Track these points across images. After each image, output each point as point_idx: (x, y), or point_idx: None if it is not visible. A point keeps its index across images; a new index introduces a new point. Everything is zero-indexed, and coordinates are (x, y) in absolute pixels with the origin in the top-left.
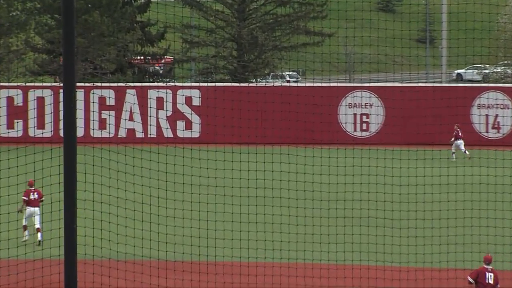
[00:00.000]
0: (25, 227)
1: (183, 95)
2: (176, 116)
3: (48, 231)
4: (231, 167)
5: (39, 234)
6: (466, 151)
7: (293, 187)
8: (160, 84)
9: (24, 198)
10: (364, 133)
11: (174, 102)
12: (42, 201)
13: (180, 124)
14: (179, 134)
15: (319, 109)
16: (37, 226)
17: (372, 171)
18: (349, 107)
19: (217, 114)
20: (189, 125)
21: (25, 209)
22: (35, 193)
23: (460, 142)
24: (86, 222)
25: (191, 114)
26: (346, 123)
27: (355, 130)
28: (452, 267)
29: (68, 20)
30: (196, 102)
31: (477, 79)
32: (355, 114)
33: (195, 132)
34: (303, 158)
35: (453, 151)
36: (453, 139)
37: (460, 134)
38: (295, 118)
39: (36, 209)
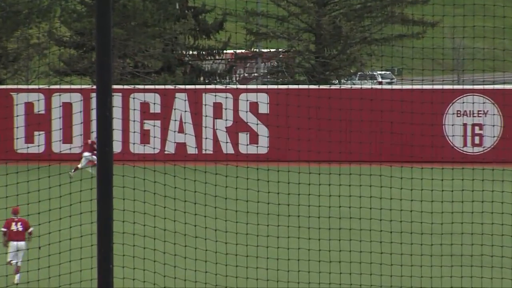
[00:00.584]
0: (16, 269)
1: (247, 100)
2: (238, 127)
3: (78, 271)
4: (308, 191)
5: (16, 276)
6: None
7: (387, 216)
8: (218, 86)
9: (3, 229)
10: (476, 149)
11: (236, 109)
12: (30, 233)
13: (243, 137)
14: (242, 149)
15: (419, 118)
16: (19, 264)
17: (487, 196)
18: (458, 116)
19: (290, 124)
20: (254, 139)
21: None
22: (19, 223)
23: None
24: (125, 261)
25: (257, 124)
26: (453, 136)
27: (465, 144)
28: None
29: (103, 6)
30: (264, 109)
31: None
32: (465, 125)
33: (262, 147)
34: (398, 180)
35: None
36: None
37: None
38: (388, 130)
39: (21, 243)
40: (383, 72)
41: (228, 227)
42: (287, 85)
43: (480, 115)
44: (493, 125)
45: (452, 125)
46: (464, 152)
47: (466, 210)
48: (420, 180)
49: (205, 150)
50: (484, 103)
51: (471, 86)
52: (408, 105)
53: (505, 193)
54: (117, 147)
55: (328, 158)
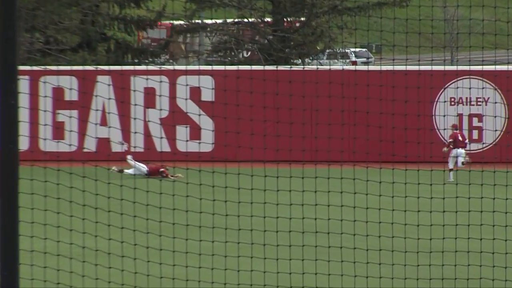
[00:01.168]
0: None
1: (186, 84)
2: (176, 118)
3: None
4: (263, 199)
5: None
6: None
7: (362, 231)
8: (151, 67)
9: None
10: (474, 146)
11: (173, 96)
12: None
13: (181, 131)
14: (181, 147)
15: (403, 107)
16: None
17: (487, 205)
18: (451, 104)
19: (241, 115)
20: (196, 133)
21: None
22: None
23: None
24: (35, 286)
25: (199, 115)
26: (445, 129)
27: (460, 140)
28: None
29: None
30: (208, 96)
31: None
32: (460, 116)
33: (206, 144)
34: (376, 185)
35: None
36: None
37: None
38: (364, 122)
39: None
40: (357, 50)
41: (163, 244)
42: (237, 66)
43: (479, 103)
44: (495, 116)
45: (444, 116)
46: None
47: (461, 223)
48: (403, 185)
49: (134, 147)
50: (483, 88)
51: (468, 67)
52: (389, 91)
53: (509, 201)
54: (24, 144)
55: (288, 157)
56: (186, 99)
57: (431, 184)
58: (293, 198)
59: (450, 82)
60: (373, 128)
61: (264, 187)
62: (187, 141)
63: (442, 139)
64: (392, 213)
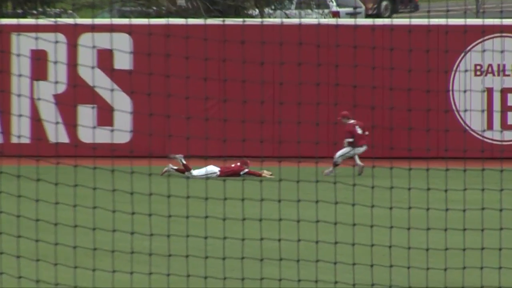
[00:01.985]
0: None
1: (93, 46)
2: (77, 95)
3: None
4: (204, 211)
5: None
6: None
7: (347, 257)
8: (42, 21)
9: None
10: (509, 135)
11: (73, 63)
12: None
13: (86, 114)
14: (85, 136)
15: (406, 79)
16: None
17: None
18: (476, 75)
19: (173, 90)
20: (107, 117)
21: None
22: None
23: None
24: None
25: (111, 90)
26: (467, 111)
27: (489, 126)
28: None
29: None
30: (124, 62)
31: None
32: (489, 91)
33: (121, 132)
34: (366, 192)
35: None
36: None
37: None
38: (349, 101)
39: None
40: None
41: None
42: (166, 19)
43: None
44: None
45: (465, 91)
46: (487, 140)
47: (475, 246)
48: (406, 192)
49: (19, 137)
50: None
51: (499, 20)
52: (386, 55)
53: None
54: None
55: (240, 151)
56: (92, 67)
57: (445, 190)
58: (247, 211)
59: (474, 43)
60: (362, 110)
61: (206, 195)
62: (94, 128)
63: (463, 124)
64: (389, 232)
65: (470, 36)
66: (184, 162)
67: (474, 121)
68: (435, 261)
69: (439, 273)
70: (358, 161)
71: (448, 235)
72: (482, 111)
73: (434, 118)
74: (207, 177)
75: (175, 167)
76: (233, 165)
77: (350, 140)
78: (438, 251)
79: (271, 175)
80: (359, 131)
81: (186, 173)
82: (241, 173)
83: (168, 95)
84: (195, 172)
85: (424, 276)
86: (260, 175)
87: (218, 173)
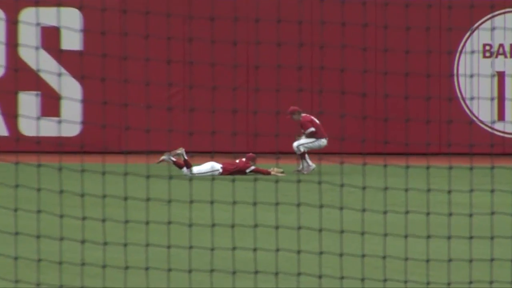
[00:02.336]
0: None
1: (37, 23)
2: (18, 81)
3: None
4: (166, 216)
5: None
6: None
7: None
8: None
9: None
10: None
11: (11, 43)
12: None
13: (28, 103)
14: (27, 129)
15: (403, 61)
16: None
17: None
18: (485, 56)
19: (130, 75)
20: (53, 106)
21: None
22: None
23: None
24: None
25: (58, 75)
26: (473, 98)
27: (499, 117)
28: None
29: None
30: (72, 42)
31: None
32: (500, 75)
33: (70, 124)
34: (356, 194)
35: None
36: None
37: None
38: (335, 87)
39: None
40: None
41: None
42: None
43: None
44: None
45: (472, 76)
46: (497, 133)
47: (483, 257)
48: (403, 194)
49: None
50: None
51: None
52: (379, 34)
53: None
54: None
55: (209, 146)
56: (36, 47)
57: (449, 191)
58: (217, 215)
59: (482, 19)
60: (351, 98)
61: (169, 197)
62: (38, 119)
63: (470, 114)
64: (384, 240)
65: (477, 11)
66: (186, 157)
67: (482, 111)
68: (437, 274)
69: None
70: (309, 161)
71: (451, 244)
72: (492, 99)
73: (435, 108)
74: (211, 175)
75: (174, 159)
76: (237, 161)
77: (313, 129)
78: (440, 262)
79: (282, 172)
80: (318, 121)
81: (185, 169)
82: (247, 170)
83: (125, 80)
84: (195, 170)
85: None
86: (269, 173)
87: (221, 170)
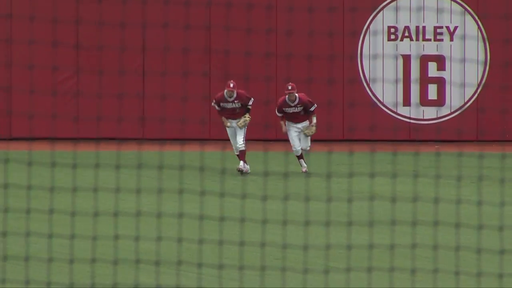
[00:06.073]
0: None
1: None
2: None
3: None
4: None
5: None
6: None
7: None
8: None
9: None
10: (430, 110)
11: None
12: None
13: None
14: None
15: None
16: None
17: None
18: (390, 40)
19: (16, 59)
20: None
21: None
22: None
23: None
24: None
25: None
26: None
27: (407, 101)
28: None
29: None
30: None
31: None
32: (406, 59)
33: None
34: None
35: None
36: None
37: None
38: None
39: None
40: None
41: None
42: None
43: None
44: (472, 60)
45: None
46: (405, 118)
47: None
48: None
49: None
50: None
51: None
52: (283, 17)
53: None
54: None
55: (112, 131)
56: None
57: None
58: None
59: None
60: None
61: (74, 184)
62: None
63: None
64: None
65: None
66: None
67: None
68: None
69: None
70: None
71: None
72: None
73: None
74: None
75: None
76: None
77: (315, 105)
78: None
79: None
80: None
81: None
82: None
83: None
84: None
85: None
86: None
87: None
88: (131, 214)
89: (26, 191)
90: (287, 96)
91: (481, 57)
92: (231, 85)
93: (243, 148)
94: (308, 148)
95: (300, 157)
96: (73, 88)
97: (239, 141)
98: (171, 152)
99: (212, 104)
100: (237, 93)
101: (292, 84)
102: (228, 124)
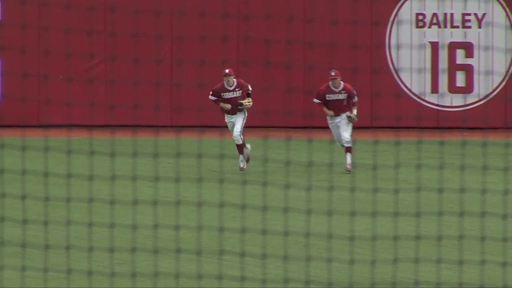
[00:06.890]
0: None
1: None
2: None
3: None
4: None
5: None
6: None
7: None
8: None
9: None
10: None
11: None
12: None
13: None
14: None
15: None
16: None
17: None
18: (418, 27)
19: (51, 45)
20: None
21: None
22: None
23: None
24: None
25: None
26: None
27: (434, 89)
28: None
29: None
30: None
31: None
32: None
33: None
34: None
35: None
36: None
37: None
38: (260, 36)
39: None
40: None
41: None
42: None
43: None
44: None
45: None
46: (432, 105)
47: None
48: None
49: None
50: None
51: None
52: (305, 4)
53: None
54: None
55: (131, 119)
56: None
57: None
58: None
59: None
60: (276, 71)
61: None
62: None
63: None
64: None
65: None
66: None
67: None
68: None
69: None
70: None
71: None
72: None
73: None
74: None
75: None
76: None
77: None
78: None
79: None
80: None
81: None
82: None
83: (46, 52)
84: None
85: None
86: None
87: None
88: (171, 203)
89: (66, 179)
90: (330, 82)
91: (510, 45)
92: (227, 70)
93: (240, 142)
94: (349, 139)
95: (347, 150)
96: (106, 75)
97: (237, 129)
98: (210, 140)
99: (209, 96)
100: (237, 82)
101: (335, 70)
102: (227, 109)
